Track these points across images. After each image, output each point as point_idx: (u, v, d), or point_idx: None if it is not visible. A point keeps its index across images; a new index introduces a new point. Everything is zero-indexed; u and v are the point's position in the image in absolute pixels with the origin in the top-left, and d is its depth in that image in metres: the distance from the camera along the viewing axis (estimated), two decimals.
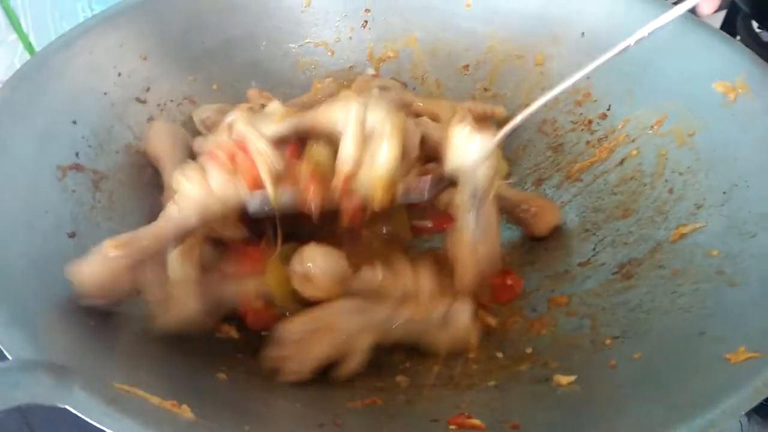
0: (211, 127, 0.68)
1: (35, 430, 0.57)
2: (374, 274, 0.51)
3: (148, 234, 0.48)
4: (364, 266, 0.51)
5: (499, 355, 0.51)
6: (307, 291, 0.50)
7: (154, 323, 0.47)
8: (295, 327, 0.48)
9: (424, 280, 0.51)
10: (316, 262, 0.49)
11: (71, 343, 0.40)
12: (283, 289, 0.52)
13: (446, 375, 0.50)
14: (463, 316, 0.51)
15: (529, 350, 0.51)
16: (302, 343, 0.47)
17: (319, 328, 0.47)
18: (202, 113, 0.69)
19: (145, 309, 0.47)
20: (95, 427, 0.33)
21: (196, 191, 0.49)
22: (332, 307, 0.49)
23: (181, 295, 0.47)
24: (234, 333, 0.52)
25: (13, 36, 0.86)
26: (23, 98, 0.56)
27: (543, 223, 0.63)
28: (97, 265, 0.45)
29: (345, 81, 0.74)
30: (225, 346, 0.50)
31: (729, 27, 0.90)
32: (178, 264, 0.49)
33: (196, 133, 0.67)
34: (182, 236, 0.49)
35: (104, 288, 0.44)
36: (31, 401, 0.33)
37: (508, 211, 0.63)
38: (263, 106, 0.66)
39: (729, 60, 0.61)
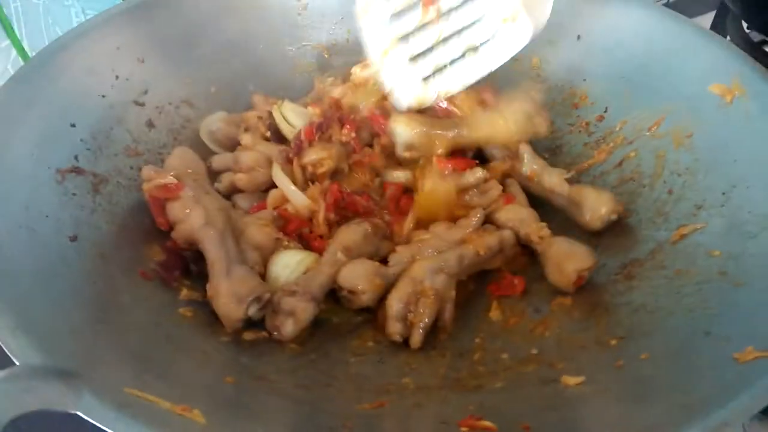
0: (223, 140, 0.68)
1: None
2: (400, 257, 0.56)
3: None
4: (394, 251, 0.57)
5: (504, 356, 0.51)
6: (356, 304, 0.54)
7: (282, 336, 0.50)
8: (400, 299, 0.52)
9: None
10: (357, 282, 0.53)
11: (79, 348, 0.39)
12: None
13: (453, 377, 0.50)
14: (511, 238, 0.59)
15: (534, 351, 0.51)
16: (414, 312, 0.52)
17: (418, 293, 0.52)
18: (211, 125, 0.68)
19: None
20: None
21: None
22: (415, 272, 0.53)
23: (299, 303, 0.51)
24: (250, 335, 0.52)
25: (6, 42, 0.85)
26: (21, 101, 0.56)
27: (595, 216, 0.60)
28: None
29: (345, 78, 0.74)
30: (228, 351, 0.49)
31: (718, 28, 0.91)
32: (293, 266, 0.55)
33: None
34: None
35: None
36: (42, 407, 0.33)
37: (561, 205, 0.63)
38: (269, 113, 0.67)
39: (723, 62, 0.62)
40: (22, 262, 0.45)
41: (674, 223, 0.57)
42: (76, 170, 0.56)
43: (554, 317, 0.55)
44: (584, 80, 0.73)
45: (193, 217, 0.54)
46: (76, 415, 0.34)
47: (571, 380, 0.45)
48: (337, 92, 0.69)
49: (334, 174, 0.63)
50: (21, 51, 0.85)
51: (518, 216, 0.61)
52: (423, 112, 0.64)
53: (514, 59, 0.78)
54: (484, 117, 0.64)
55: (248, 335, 0.51)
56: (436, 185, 0.61)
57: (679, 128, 0.62)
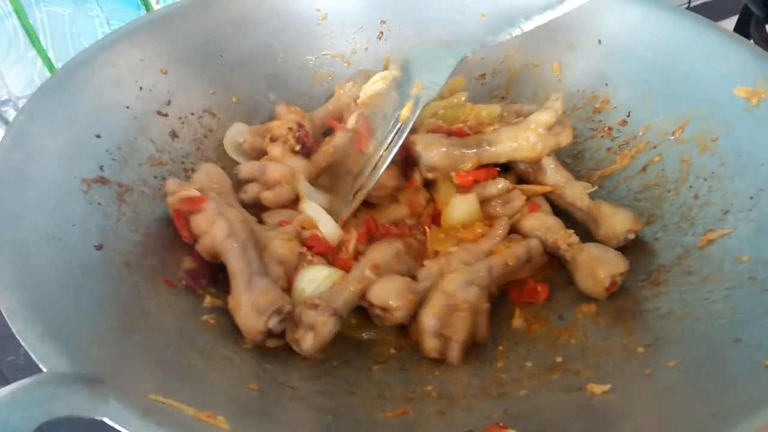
0: (250, 151, 0.69)
1: None
2: (429, 271, 0.56)
3: None
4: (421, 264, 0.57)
5: (528, 364, 0.51)
6: (389, 321, 0.53)
7: (302, 350, 0.50)
8: (435, 315, 0.51)
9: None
10: (389, 299, 0.52)
11: (104, 354, 0.40)
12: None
13: (476, 384, 0.49)
14: (538, 247, 0.59)
15: (559, 359, 0.50)
16: (449, 326, 0.51)
17: (451, 307, 0.52)
18: (237, 136, 0.69)
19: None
20: None
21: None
22: (446, 286, 0.53)
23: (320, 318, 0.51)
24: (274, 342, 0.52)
25: (32, 52, 0.87)
26: (48, 112, 0.57)
27: (610, 234, 0.59)
28: None
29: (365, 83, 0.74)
30: (252, 358, 0.50)
31: (741, 32, 0.90)
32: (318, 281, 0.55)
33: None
34: None
35: None
36: (70, 414, 0.33)
37: (581, 219, 0.63)
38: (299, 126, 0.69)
39: (749, 64, 0.61)
40: (49, 271, 0.45)
41: (701, 228, 0.56)
42: (102, 180, 0.56)
43: (579, 324, 0.54)
44: (606, 84, 0.72)
45: (216, 229, 0.54)
46: (100, 421, 0.34)
47: (597, 388, 0.44)
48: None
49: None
50: (47, 61, 0.87)
51: (544, 224, 0.60)
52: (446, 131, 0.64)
53: (534, 65, 0.78)
54: (507, 133, 0.63)
55: (271, 343, 0.51)
56: (460, 201, 0.61)
57: (704, 132, 0.61)
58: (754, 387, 0.38)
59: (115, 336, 0.43)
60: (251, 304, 0.50)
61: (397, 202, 0.64)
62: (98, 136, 0.59)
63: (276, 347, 0.51)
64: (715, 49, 0.64)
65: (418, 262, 0.58)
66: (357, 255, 0.59)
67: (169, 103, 0.67)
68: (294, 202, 0.64)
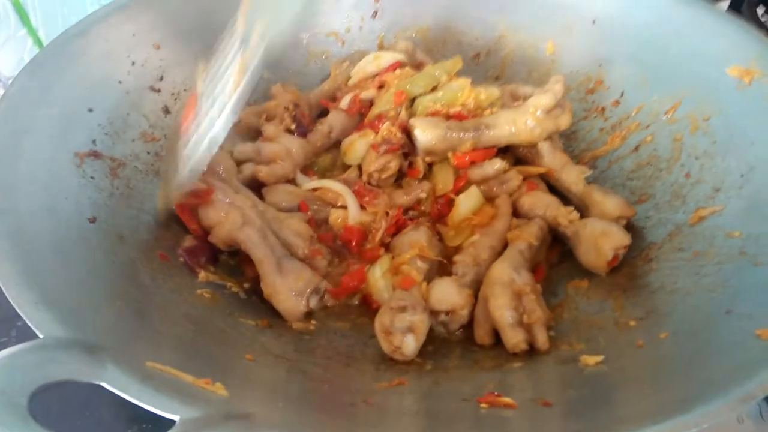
0: (245, 130, 0.68)
1: None
2: (465, 264, 0.55)
3: None
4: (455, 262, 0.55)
5: None
6: (455, 323, 0.52)
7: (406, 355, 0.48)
8: (508, 306, 0.49)
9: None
10: (452, 300, 0.51)
11: (100, 323, 0.40)
12: None
13: (470, 358, 0.50)
14: (545, 224, 0.59)
15: (552, 333, 0.51)
16: (524, 313, 0.49)
17: (516, 294, 0.50)
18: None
19: None
20: None
21: None
22: (499, 276, 0.51)
23: None
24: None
25: (23, 31, 0.86)
26: (39, 85, 0.56)
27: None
28: None
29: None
30: (247, 331, 0.50)
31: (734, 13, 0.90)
32: None
33: None
34: None
35: None
36: (68, 378, 0.33)
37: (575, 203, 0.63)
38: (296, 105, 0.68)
39: (741, 44, 0.61)
40: (44, 242, 0.45)
41: (692, 205, 0.56)
42: (94, 154, 0.56)
43: (571, 300, 0.55)
44: (600, 65, 0.72)
45: (230, 219, 0.54)
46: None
47: (590, 359, 0.45)
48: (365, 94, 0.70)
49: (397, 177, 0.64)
50: (37, 40, 0.86)
51: (543, 202, 0.61)
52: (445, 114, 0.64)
53: (528, 45, 0.78)
54: (505, 117, 0.63)
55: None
56: (464, 199, 0.61)
57: (696, 112, 0.62)
58: (747, 355, 0.38)
59: (111, 306, 0.43)
60: (288, 289, 0.51)
61: (400, 188, 0.64)
62: (90, 110, 0.58)
63: (270, 323, 0.51)
64: (709, 29, 0.64)
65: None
66: (383, 245, 0.59)
67: (161, 78, 0.66)
68: (290, 180, 0.64)
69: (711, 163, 0.58)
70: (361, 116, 0.69)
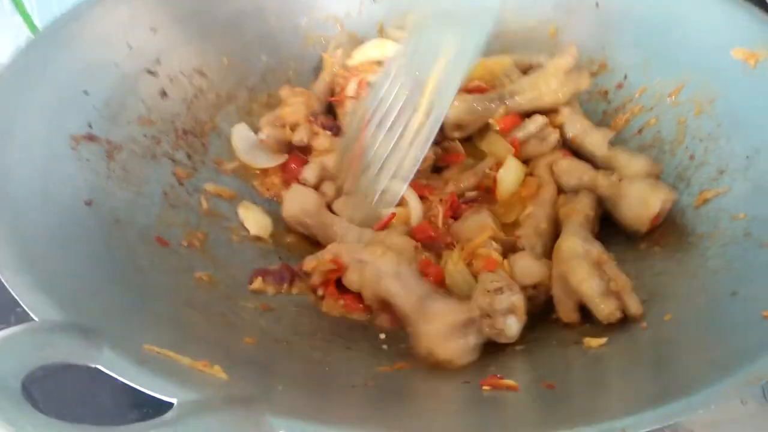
0: (274, 145, 0.66)
1: None
2: (528, 237, 0.54)
3: None
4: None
5: None
6: (542, 296, 0.51)
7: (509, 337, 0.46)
8: (592, 276, 0.48)
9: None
10: (538, 271, 0.50)
11: (97, 306, 0.39)
12: None
13: None
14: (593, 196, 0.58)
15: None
16: (609, 281, 0.48)
17: (595, 264, 0.49)
18: (250, 137, 0.67)
19: None
20: None
21: None
22: (571, 248, 0.50)
23: None
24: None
25: (18, 18, 0.84)
26: (35, 68, 0.55)
27: None
28: None
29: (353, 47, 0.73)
30: (246, 315, 0.49)
31: None
32: None
33: None
34: None
35: None
36: (63, 360, 0.32)
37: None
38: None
39: (747, 26, 0.60)
40: (39, 224, 0.44)
41: (696, 188, 0.56)
42: (90, 137, 0.55)
43: None
44: (603, 48, 0.71)
45: (367, 279, 0.50)
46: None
47: (593, 342, 0.44)
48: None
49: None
50: (32, 26, 0.85)
51: (579, 166, 0.60)
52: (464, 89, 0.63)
53: (530, 29, 0.77)
54: (528, 82, 0.63)
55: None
56: (506, 171, 0.60)
57: (700, 94, 0.61)
58: (753, 336, 0.38)
59: (108, 289, 0.42)
60: (440, 335, 0.45)
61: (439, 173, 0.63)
62: (86, 93, 0.57)
63: (270, 306, 0.51)
64: (714, 11, 0.63)
65: None
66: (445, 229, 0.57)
67: (158, 61, 0.65)
68: None
69: (715, 145, 0.57)
70: None
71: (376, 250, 0.50)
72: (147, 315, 0.41)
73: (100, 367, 0.33)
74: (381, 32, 0.80)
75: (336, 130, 0.65)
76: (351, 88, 0.68)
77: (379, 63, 0.69)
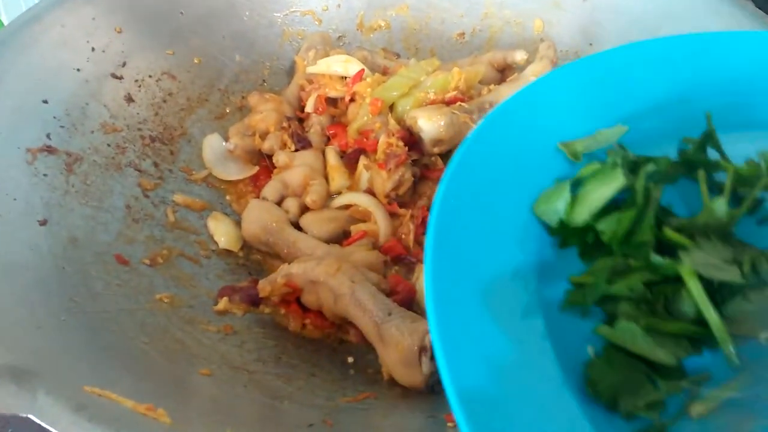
0: (243, 155, 0.64)
1: None
2: None
3: None
4: None
5: None
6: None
7: None
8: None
9: None
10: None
11: (41, 343, 0.37)
12: None
13: None
14: None
15: None
16: None
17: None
18: (220, 147, 0.64)
19: None
20: None
21: None
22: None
23: None
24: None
25: None
26: None
27: None
28: None
29: (329, 50, 0.70)
30: (206, 339, 0.47)
31: None
32: None
33: None
34: None
35: None
36: None
37: None
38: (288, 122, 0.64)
39: (737, 22, 0.58)
40: None
41: None
42: (48, 149, 0.53)
43: None
44: (590, 44, 0.69)
45: (325, 299, 0.48)
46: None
47: None
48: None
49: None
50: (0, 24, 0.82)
51: None
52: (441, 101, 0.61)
53: (516, 22, 0.74)
54: (507, 90, 0.60)
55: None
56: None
57: None
58: None
59: (56, 322, 0.40)
60: (399, 361, 0.43)
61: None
62: (45, 102, 0.55)
63: (234, 329, 0.49)
64: (701, 8, 0.61)
65: None
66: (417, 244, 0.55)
67: (124, 64, 0.63)
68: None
69: None
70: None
71: (329, 269, 0.47)
72: (92, 350, 0.39)
73: (31, 417, 0.31)
74: (360, 26, 0.77)
75: (305, 143, 0.62)
76: (310, 105, 0.65)
77: (342, 79, 0.66)
